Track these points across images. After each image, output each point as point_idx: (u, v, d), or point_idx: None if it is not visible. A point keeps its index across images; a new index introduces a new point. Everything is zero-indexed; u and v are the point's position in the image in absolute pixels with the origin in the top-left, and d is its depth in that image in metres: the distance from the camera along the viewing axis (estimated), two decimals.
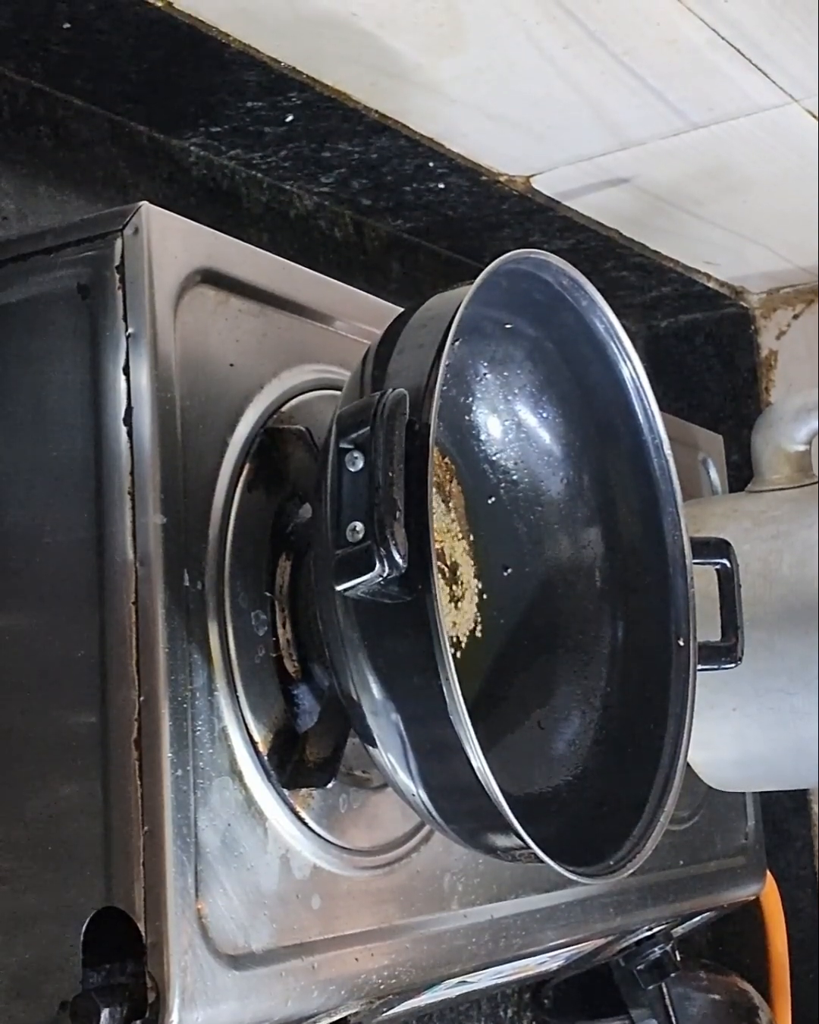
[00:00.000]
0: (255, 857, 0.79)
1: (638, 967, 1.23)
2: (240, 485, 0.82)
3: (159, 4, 0.96)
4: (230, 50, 1.02)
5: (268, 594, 0.83)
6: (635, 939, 1.20)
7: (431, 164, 1.23)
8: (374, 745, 0.75)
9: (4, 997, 0.76)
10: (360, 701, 0.74)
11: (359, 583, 0.69)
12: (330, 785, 0.83)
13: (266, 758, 0.80)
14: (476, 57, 1.08)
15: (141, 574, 0.76)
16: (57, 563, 0.78)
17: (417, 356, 0.75)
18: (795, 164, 1.29)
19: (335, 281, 0.95)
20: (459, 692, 0.70)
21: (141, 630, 0.75)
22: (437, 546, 0.88)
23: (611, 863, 0.82)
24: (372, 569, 0.69)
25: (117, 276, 0.79)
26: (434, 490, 0.73)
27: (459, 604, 0.92)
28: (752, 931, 1.48)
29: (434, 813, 0.76)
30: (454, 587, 0.91)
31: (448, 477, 0.93)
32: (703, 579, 0.98)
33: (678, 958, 1.25)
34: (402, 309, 0.81)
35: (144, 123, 1.11)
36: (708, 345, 1.66)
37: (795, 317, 1.63)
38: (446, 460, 0.93)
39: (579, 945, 1.08)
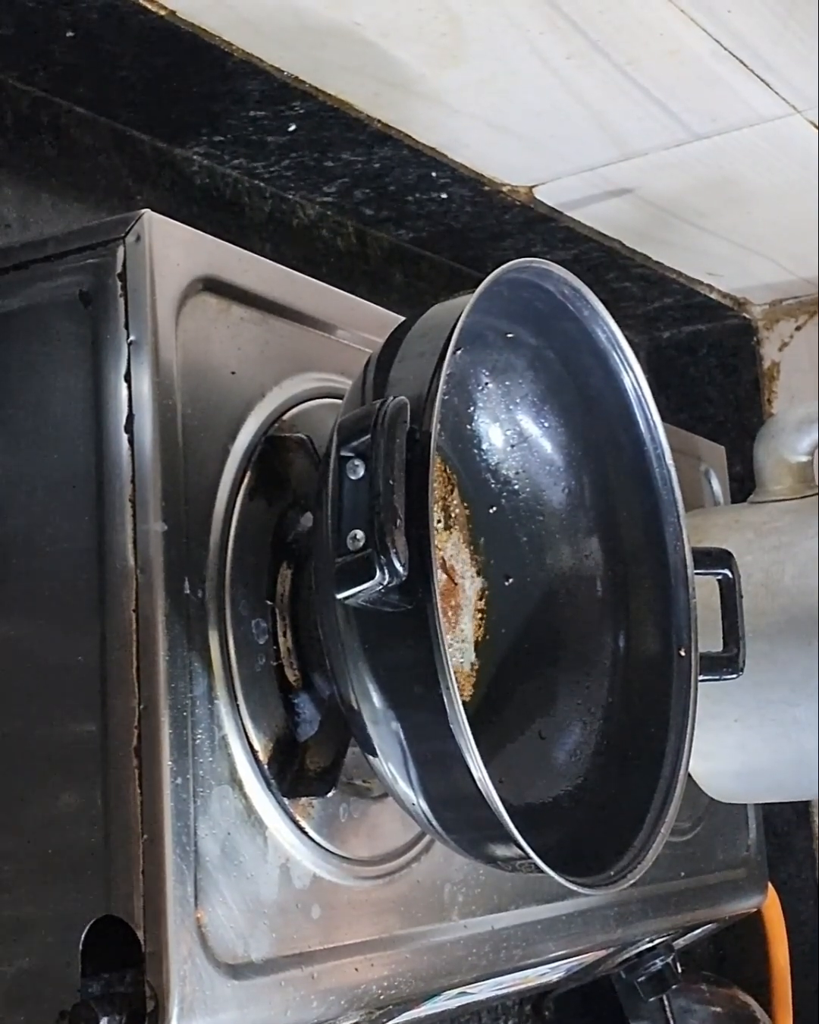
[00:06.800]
0: (255, 866, 0.78)
1: (639, 979, 1.23)
2: (241, 493, 0.82)
3: (162, 13, 0.97)
4: (233, 59, 1.03)
5: (269, 602, 0.83)
6: (636, 951, 1.20)
7: (433, 174, 1.23)
8: (374, 754, 0.75)
9: (3, 1006, 0.75)
10: (360, 710, 0.74)
11: (360, 591, 0.69)
12: (330, 794, 0.83)
13: (266, 767, 0.80)
14: (479, 67, 1.08)
15: (142, 582, 0.75)
16: (58, 570, 0.78)
17: (418, 365, 0.75)
18: (798, 175, 1.29)
19: (337, 290, 0.95)
20: (459, 701, 0.70)
21: (141, 638, 0.75)
22: (438, 555, 0.88)
23: (612, 874, 0.82)
24: (373, 577, 0.69)
25: (119, 284, 0.79)
26: (435, 499, 0.73)
27: (460, 613, 0.91)
28: (754, 943, 1.48)
29: (434, 823, 0.76)
30: (455, 596, 0.91)
31: (449, 486, 0.93)
32: (705, 590, 0.97)
33: (679, 970, 1.24)
34: (404, 318, 0.81)
35: (147, 132, 1.11)
36: (711, 356, 1.66)
37: (798, 329, 1.63)
38: (447, 469, 0.93)
39: (580, 956, 1.07)
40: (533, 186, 1.29)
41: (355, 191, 1.25)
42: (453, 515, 0.93)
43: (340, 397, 0.83)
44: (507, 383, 0.93)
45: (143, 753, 0.74)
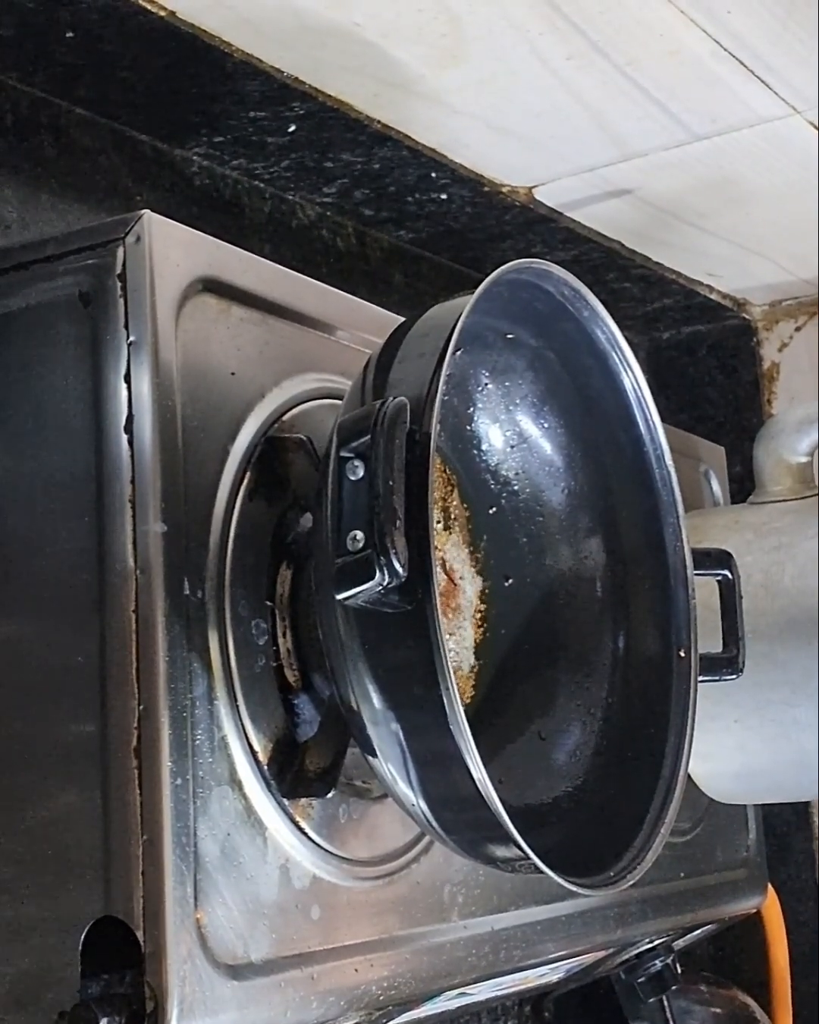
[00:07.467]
0: (254, 867, 0.78)
1: (639, 980, 1.23)
2: (241, 493, 0.82)
3: (162, 14, 0.97)
4: (233, 60, 1.03)
5: (268, 603, 0.83)
6: (636, 951, 1.20)
7: (433, 175, 1.23)
8: (374, 755, 0.75)
9: (2, 1007, 0.75)
10: (360, 711, 0.74)
11: (359, 592, 0.69)
12: (330, 795, 0.83)
13: (266, 767, 0.80)
14: (479, 68, 1.08)
15: (141, 582, 0.75)
16: (57, 571, 0.78)
17: (418, 365, 0.75)
18: (797, 176, 1.29)
19: (337, 290, 0.95)
20: (459, 702, 0.70)
21: (141, 638, 0.75)
22: (438, 556, 0.88)
23: (612, 874, 0.82)
24: (372, 578, 0.69)
25: (119, 284, 0.79)
26: (435, 499, 0.72)
27: (460, 614, 0.91)
28: (753, 944, 1.48)
29: (434, 824, 0.76)
30: (455, 597, 0.91)
31: (449, 487, 0.93)
32: (705, 590, 0.97)
33: (679, 971, 1.24)
34: (404, 319, 0.81)
35: (147, 132, 1.11)
36: (710, 357, 1.66)
37: (797, 329, 1.63)
38: (447, 470, 0.93)
39: (580, 957, 1.07)
40: (533, 186, 1.29)
41: (355, 191, 1.25)
42: (453, 516, 0.93)
43: (340, 398, 0.83)
44: (507, 384, 0.93)
45: (143, 754, 0.74)
